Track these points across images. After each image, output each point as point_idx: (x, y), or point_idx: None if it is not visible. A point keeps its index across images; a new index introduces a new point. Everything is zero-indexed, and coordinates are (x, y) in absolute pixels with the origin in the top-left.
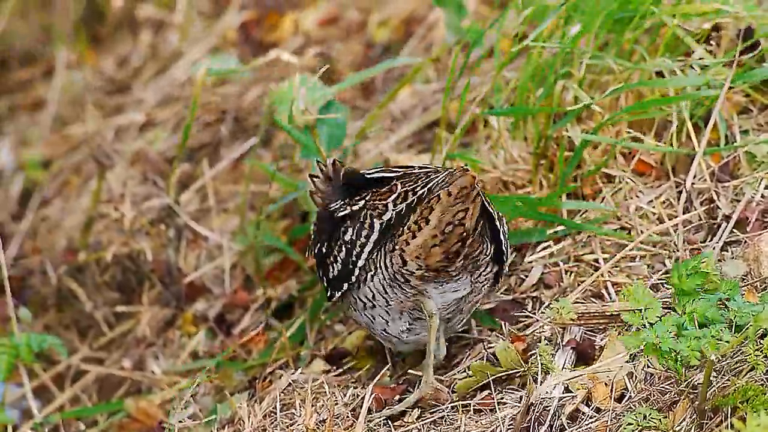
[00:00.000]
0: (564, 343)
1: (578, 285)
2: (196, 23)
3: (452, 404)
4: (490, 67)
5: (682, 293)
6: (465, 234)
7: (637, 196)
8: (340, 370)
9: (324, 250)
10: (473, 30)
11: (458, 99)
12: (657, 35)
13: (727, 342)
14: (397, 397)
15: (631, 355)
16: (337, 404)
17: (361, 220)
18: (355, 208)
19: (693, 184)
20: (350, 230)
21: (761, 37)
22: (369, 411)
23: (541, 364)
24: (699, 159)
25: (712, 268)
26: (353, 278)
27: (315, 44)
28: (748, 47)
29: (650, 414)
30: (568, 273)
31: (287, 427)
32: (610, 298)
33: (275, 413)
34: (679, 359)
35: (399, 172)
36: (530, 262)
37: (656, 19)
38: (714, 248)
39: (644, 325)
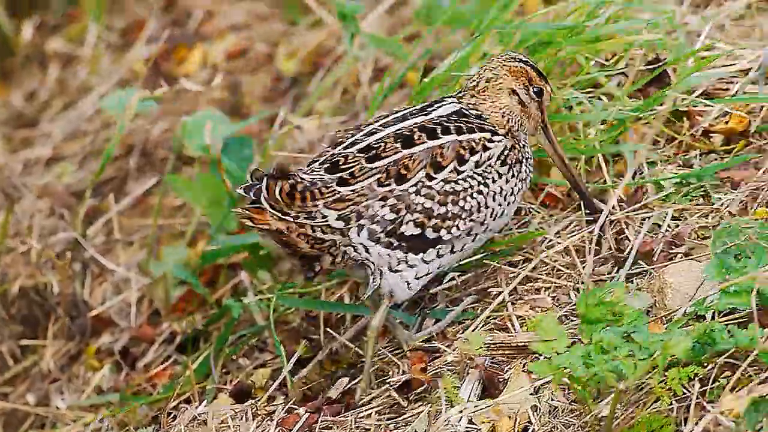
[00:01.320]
0: (469, 375)
1: (483, 317)
2: (105, 57)
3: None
4: (402, 96)
5: (588, 323)
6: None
7: (546, 229)
8: (245, 404)
9: None
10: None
11: None
12: (568, 67)
13: (643, 359)
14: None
15: (535, 388)
16: None
17: None
18: None
19: (601, 216)
20: None
21: (669, 66)
22: None
23: (446, 396)
24: (617, 191)
25: (618, 298)
26: None
27: (223, 76)
28: (656, 78)
29: None
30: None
31: None
32: (515, 329)
33: None
34: (588, 387)
35: None
36: (434, 293)
37: (569, 54)
38: (620, 279)
39: (553, 354)
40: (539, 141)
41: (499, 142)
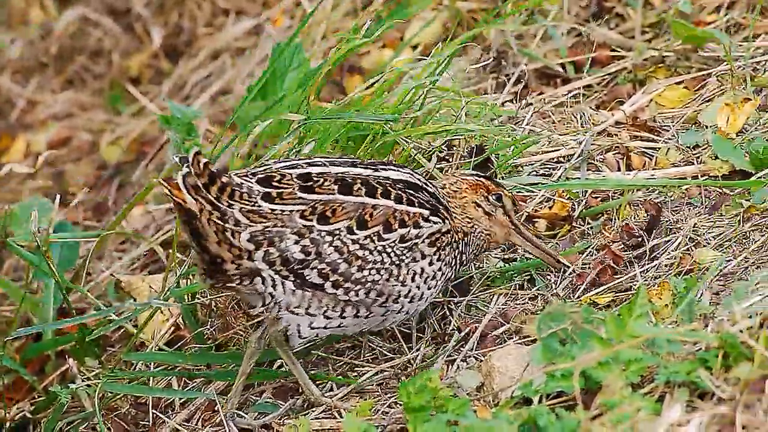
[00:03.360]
0: None
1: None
2: None
3: None
4: None
5: (412, 411)
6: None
7: None
8: None
9: None
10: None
11: None
12: (390, 151)
13: None
14: None
15: None
16: None
17: None
18: None
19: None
20: None
21: (492, 153)
22: None
23: None
24: None
25: (437, 385)
26: None
27: (47, 165)
28: (480, 165)
29: None
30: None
31: None
32: (342, 417)
33: None
34: None
35: None
36: (262, 382)
37: (389, 137)
38: (441, 363)
39: None
40: (517, 245)
41: (435, 223)
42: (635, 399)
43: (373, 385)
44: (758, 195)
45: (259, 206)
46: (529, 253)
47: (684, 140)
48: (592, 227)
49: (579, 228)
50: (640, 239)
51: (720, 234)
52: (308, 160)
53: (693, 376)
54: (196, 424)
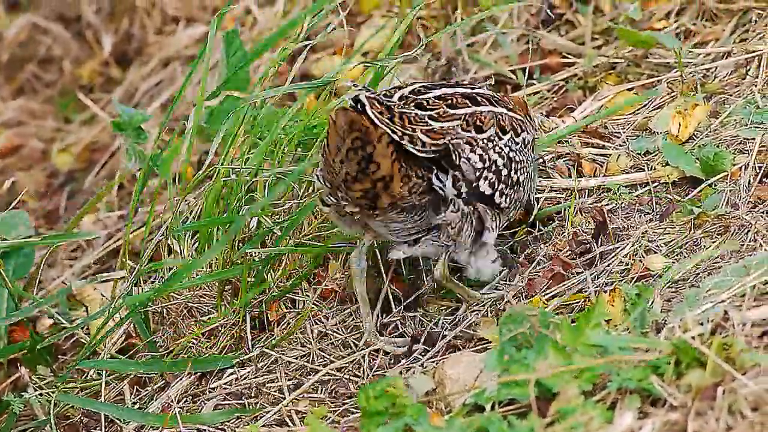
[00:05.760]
0: None
1: (264, 412)
2: None
3: None
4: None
5: (369, 415)
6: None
7: (322, 321)
8: None
9: None
10: (155, 156)
11: (143, 226)
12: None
13: None
14: None
15: None
16: None
17: None
18: None
19: (379, 312)
20: None
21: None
22: None
23: None
24: (385, 287)
25: (398, 390)
26: None
27: None
28: None
29: None
30: (250, 402)
31: None
32: (294, 425)
33: None
34: None
35: None
36: (214, 388)
37: None
38: (400, 372)
39: None
40: None
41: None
42: (588, 407)
43: (324, 393)
44: (709, 202)
45: (431, 125)
46: None
47: (635, 147)
48: (542, 233)
49: (533, 233)
50: (588, 246)
51: (671, 241)
52: (409, 90)
53: (645, 383)
54: None
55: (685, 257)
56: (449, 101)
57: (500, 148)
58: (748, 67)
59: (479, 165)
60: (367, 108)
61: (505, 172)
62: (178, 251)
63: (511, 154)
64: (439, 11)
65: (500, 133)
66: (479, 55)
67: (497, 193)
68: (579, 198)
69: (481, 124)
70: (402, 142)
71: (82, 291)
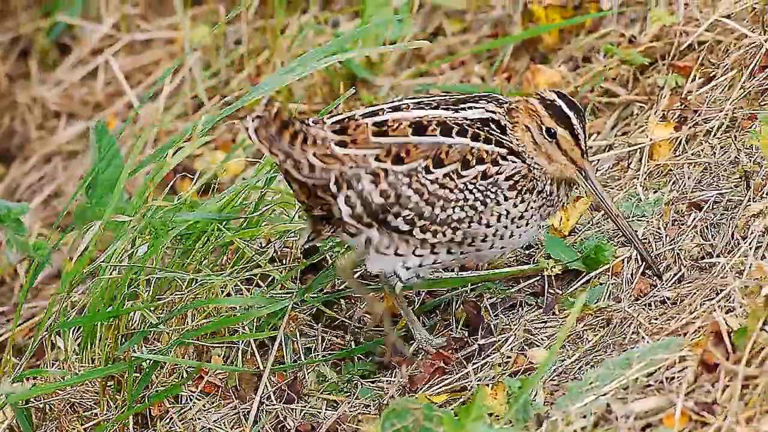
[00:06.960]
0: None
1: None
2: None
3: None
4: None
5: None
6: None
7: (205, 417)
8: None
9: None
10: (41, 246)
11: (26, 321)
12: (226, 252)
13: None
14: None
15: None
16: None
17: None
18: None
19: (261, 403)
20: None
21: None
22: None
23: None
24: (265, 378)
25: None
26: None
27: None
28: (313, 266)
29: None
30: None
31: None
32: None
33: None
34: None
35: None
36: None
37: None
38: None
39: None
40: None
41: (512, 162)
42: None
43: None
44: (591, 294)
45: (332, 150)
46: (596, 201)
47: None
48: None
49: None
50: (465, 340)
51: (553, 334)
52: (389, 105)
53: None
54: None
55: (567, 350)
56: (414, 128)
57: (427, 182)
58: (629, 160)
59: (379, 200)
60: (250, 132)
61: (428, 209)
62: (61, 346)
63: (443, 192)
64: (322, 106)
65: (435, 167)
66: None
67: (417, 229)
68: (461, 290)
69: (404, 156)
70: (284, 165)
71: None
